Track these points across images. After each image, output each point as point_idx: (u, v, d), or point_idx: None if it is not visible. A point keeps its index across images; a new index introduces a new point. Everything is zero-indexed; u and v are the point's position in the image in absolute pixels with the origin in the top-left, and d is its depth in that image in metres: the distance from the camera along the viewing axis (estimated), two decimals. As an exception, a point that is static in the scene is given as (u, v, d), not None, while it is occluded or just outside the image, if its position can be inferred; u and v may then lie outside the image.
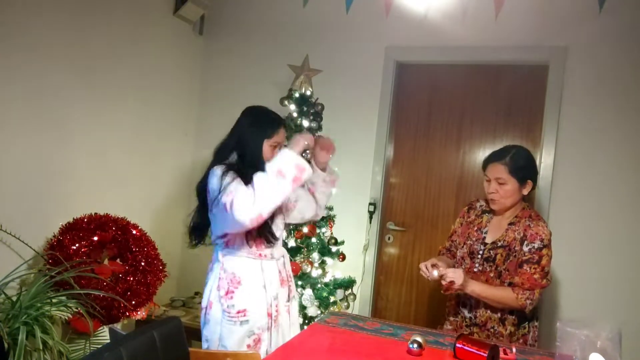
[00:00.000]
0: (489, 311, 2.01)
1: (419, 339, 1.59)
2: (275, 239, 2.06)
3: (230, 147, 2.03)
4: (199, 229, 2.09)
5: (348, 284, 2.87)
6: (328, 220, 2.89)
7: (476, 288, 1.95)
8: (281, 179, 1.79)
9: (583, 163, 2.83)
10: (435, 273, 1.93)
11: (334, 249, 2.87)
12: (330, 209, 2.88)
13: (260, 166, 1.90)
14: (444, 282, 1.93)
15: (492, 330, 2.00)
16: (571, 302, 2.81)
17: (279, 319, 2.06)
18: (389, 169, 3.33)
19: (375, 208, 3.24)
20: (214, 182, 1.90)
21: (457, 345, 1.57)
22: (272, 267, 2.06)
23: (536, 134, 3.00)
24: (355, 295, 2.93)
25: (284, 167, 1.80)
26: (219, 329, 1.97)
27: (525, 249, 1.96)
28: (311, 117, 2.89)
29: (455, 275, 1.90)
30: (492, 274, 2.01)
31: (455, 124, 3.18)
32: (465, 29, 3.06)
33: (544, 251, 1.94)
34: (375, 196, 3.26)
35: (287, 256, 2.22)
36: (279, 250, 2.12)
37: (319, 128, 2.92)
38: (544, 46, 2.91)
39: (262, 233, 2.00)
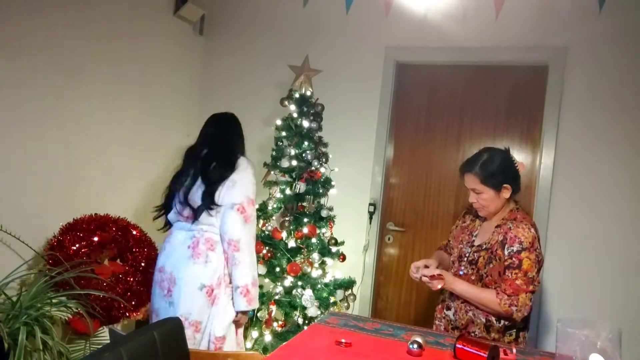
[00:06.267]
0: (470, 314, 1.98)
1: (419, 339, 1.59)
2: None
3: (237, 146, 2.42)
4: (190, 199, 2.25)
5: (348, 284, 2.87)
6: (328, 220, 2.89)
7: (463, 286, 1.95)
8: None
9: (583, 163, 2.83)
10: (427, 272, 1.98)
11: (334, 249, 2.87)
12: (331, 209, 2.88)
13: None
14: (433, 281, 1.95)
15: (474, 334, 1.96)
16: (570, 302, 2.81)
17: None
18: (389, 169, 3.33)
19: (375, 208, 3.24)
20: (247, 186, 2.24)
21: (457, 345, 1.56)
22: None
23: (536, 134, 3.00)
24: (355, 296, 2.93)
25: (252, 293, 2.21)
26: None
27: (506, 252, 1.90)
28: (311, 118, 2.89)
29: (443, 272, 1.97)
30: (473, 277, 1.99)
31: (455, 124, 3.18)
32: (465, 29, 3.06)
33: (524, 254, 1.86)
34: (375, 196, 3.26)
35: None
36: None
37: (319, 128, 2.92)
38: (544, 46, 2.91)
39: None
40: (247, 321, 2.66)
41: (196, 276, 2.15)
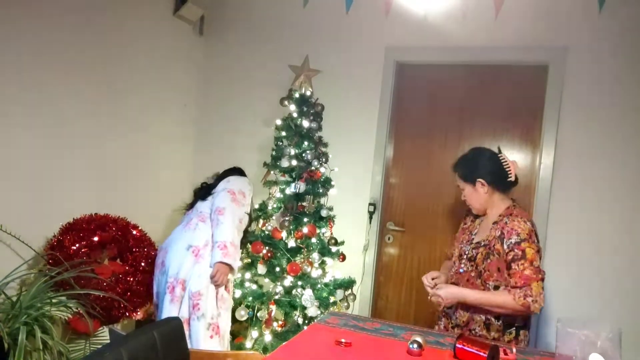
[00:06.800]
0: (469, 312, 1.99)
1: (418, 339, 1.59)
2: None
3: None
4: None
5: (348, 284, 2.87)
6: (328, 220, 2.89)
7: (474, 295, 1.93)
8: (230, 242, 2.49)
9: (582, 163, 2.83)
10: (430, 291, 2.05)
11: (334, 249, 2.87)
12: (330, 209, 2.88)
13: None
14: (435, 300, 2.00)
15: (473, 332, 1.98)
16: (570, 301, 2.81)
17: None
18: (389, 169, 3.33)
19: (375, 208, 3.24)
20: (241, 184, 2.67)
21: (457, 345, 1.57)
22: None
23: (536, 134, 2.99)
24: (355, 296, 2.93)
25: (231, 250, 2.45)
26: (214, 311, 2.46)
27: (505, 246, 1.91)
28: (311, 118, 2.89)
29: (441, 292, 1.97)
30: (472, 274, 2.01)
31: (455, 124, 3.18)
32: (465, 29, 3.06)
33: (524, 244, 1.87)
34: (375, 196, 3.26)
35: None
36: None
37: (319, 128, 2.92)
38: (544, 46, 2.91)
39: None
40: (247, 321, 2.67)
41: (184, 239, 2.49)
